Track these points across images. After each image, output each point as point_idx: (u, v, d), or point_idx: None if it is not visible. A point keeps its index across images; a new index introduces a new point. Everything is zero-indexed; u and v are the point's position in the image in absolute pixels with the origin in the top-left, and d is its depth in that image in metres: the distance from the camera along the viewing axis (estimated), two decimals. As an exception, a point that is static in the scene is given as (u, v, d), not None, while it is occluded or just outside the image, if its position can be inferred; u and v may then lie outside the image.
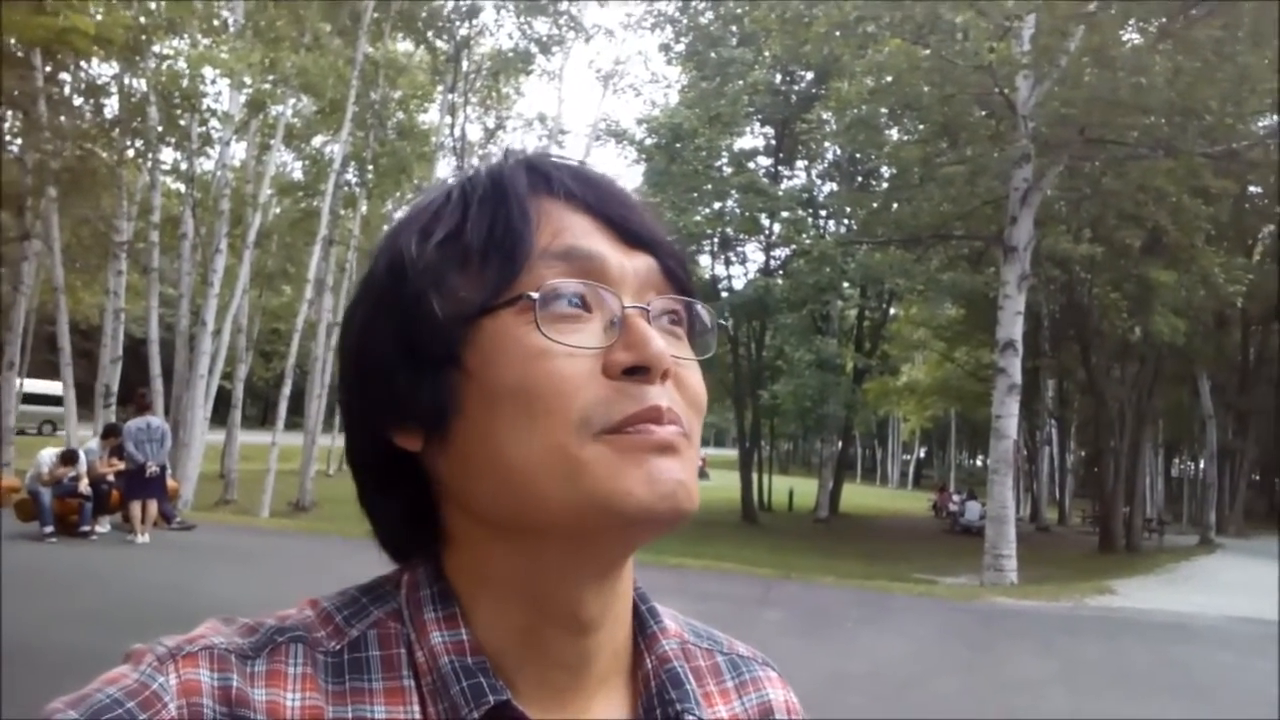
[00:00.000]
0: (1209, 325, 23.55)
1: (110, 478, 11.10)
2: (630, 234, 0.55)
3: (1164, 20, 14.42)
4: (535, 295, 0.51)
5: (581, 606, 0.54)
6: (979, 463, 65.78)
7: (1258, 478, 45.86)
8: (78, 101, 16.27)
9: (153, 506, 10.82)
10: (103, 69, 16.29)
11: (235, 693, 0.49)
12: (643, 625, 0.60)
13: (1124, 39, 15.01)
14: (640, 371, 0.51)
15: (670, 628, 0.62)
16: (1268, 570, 18.65)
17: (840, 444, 29.80)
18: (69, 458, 10.74)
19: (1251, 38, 13.48)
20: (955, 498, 32.47)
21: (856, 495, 39.76)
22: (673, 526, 0.51)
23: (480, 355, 0.52)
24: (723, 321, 0.59)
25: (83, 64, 15.24)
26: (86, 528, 10.58)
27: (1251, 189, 20.75)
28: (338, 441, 34.18)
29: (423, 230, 0.55)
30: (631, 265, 0.54)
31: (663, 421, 0.50)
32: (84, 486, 10.67)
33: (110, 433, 11.85)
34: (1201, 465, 32.32)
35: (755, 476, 27.36)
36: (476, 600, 0.55)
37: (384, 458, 0.56)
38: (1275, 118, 16.35)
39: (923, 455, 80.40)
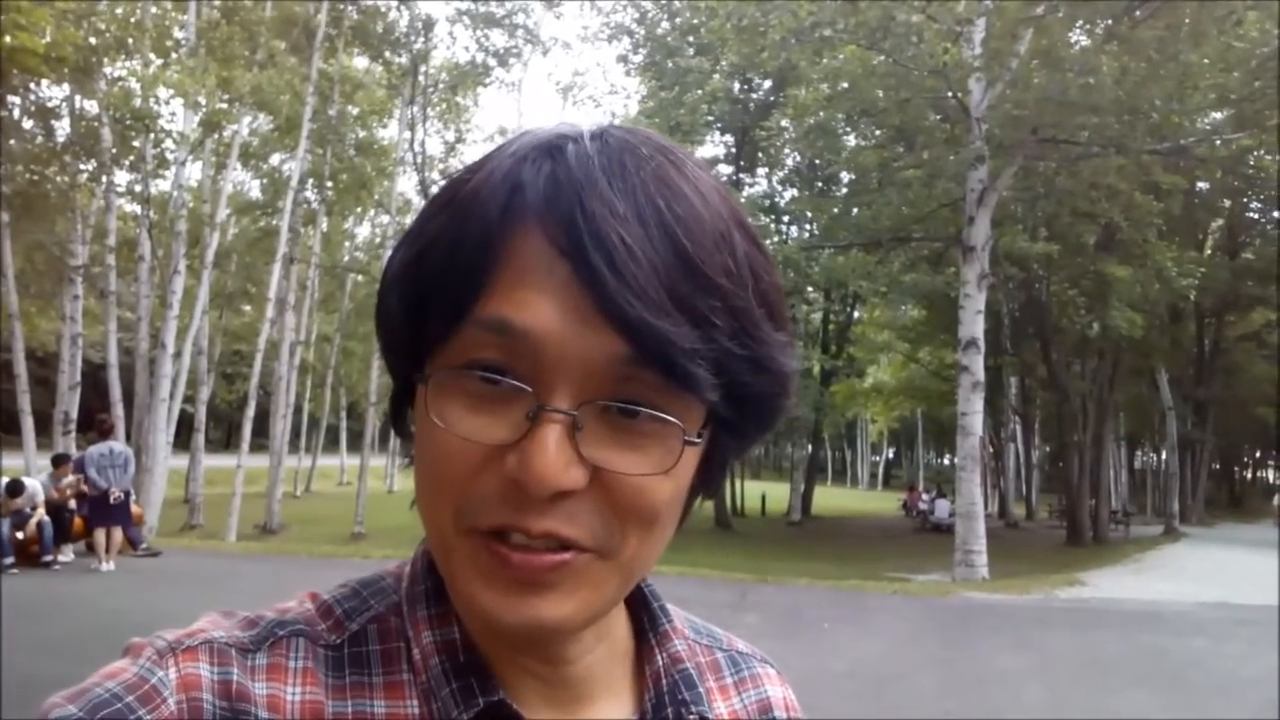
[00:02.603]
0: (1164, 319, 24.03)
1: (72, 505, 10.85)
2: (600, 304, 0.44)
3: (1110, 22, 14.75)
4: (427, 376, 0.47)
5: (544, 646, 0.53)
6: (946, 461, 66.48)
7: (1218, 467, 46.89)
8: (28, 124, 15.98)
9: (117, 533, 10.59)
10: (53, 91, 16.03)
11: (236, 687, 0.48)
12: (654, 622, 0.60)
13: (1072, 41, 15.33)
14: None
15: (677, 626, 0.61)
16: (1232, 557, 19.06)
17: (810, 447, 30.01)
18: (15, 489, 10.49)
19: (1193, 37, 13.86)
20: (924, 496, 32.79)
21: (828, 497, 40.02)
22: (534, 644, 0.50)
23: (418, 394, 0.49)
24: (693, 441, 0.47)
25: (32, 86, 14.98)
26: (49, 557, 10.33)
27: (1200, 184, 21.27)
28: (304, 463, 33.84)
29: (411, 229, 0.51)
30: (585, 347, 0.45)
31: (533, 538, 0.45)
32: (37, 518, 10.40)
33: (60, 461, 11.59)
34: (1163, 456, 32.90)
35: (727, 482, 27.39)
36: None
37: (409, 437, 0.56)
38: (1218, 114, 16.80)
39: (891, 456, 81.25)
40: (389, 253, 0.53)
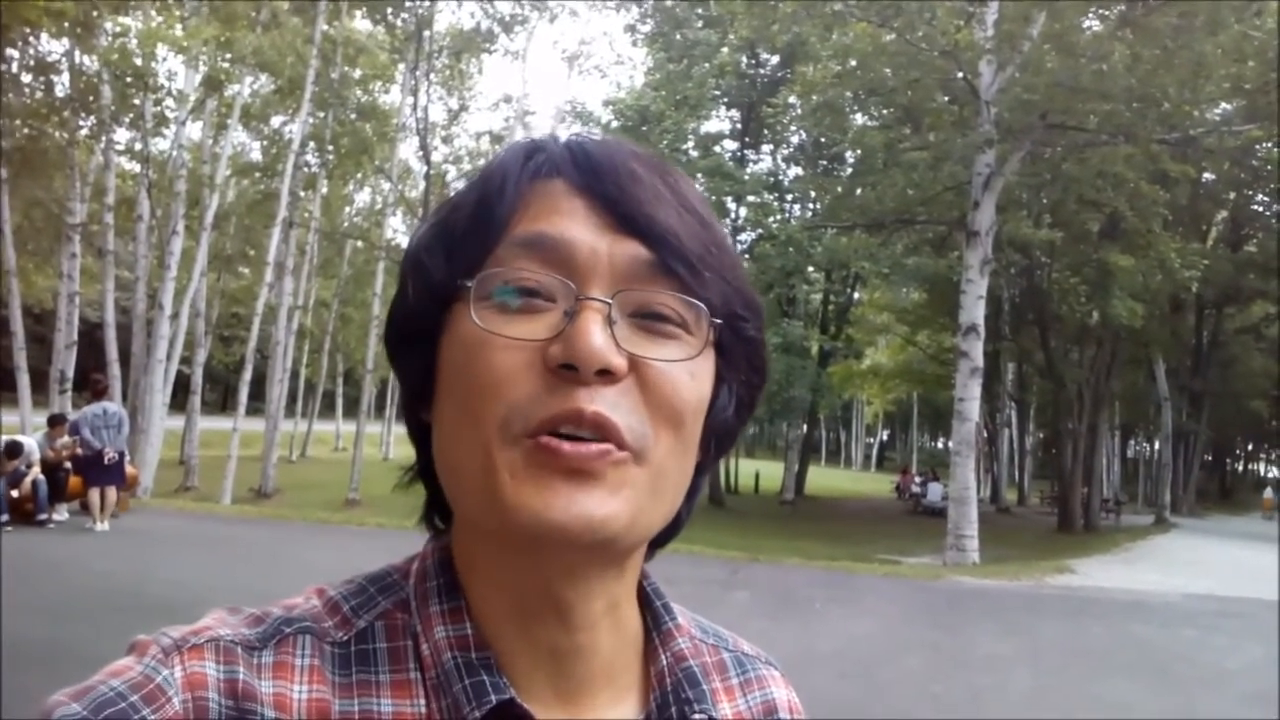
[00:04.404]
0: (1164, 309, 24.02)
1: (67, 464, 10.85)
2: (622, 218, 0.50)
3: (1123, 8, 14.61)
4: (470, 283, 0.49)
5: (563, 604, 0.52)
6: (940, 445, 66.75)
7: (1209, 458, 47.10)
8: (27, 79, 15.80)
9: (112, 494, 10.61)
10: (52, 46, 15.86)
11: (242, 686, 0.47)
12: (657, 620, 0.59)
13: (1084, 26, 15.19)
14: (573, 369, 0.47)
15: (681, 624, 0.60)
16: (1221, 549, 19.17)
17: (805, 427, 30.07)
18: (13, 450, 10.48)
19: (1207, 27, 13.71)
20: (917, 479, 32.93)
21: (821, 478, 40.20)
22: (581, 551, 0.48)
23: (446, 340, 0.51)
24: (715, 321, 0.52)
25: (31, 40, 14.80)
26: (44, 516, 10.35)
27: (1206, 176, 21.16)
28: (300, 427, 33.87)
29: (438, 208, 0.55)
30: (611, 253, 0.50)
31: (583, 424, 0.47)
32: (32, 476, 10.40)
33: (56, 421, 11.59)
34: (1156, 446, 33.07)
35: (722, 459, 27.50)
36: (474, 589, 0.53)
37: (418, 431, 0.56)
38: (1229, 105, 16.68)
39: (885, 438, 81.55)
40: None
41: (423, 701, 0.50)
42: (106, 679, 0.46)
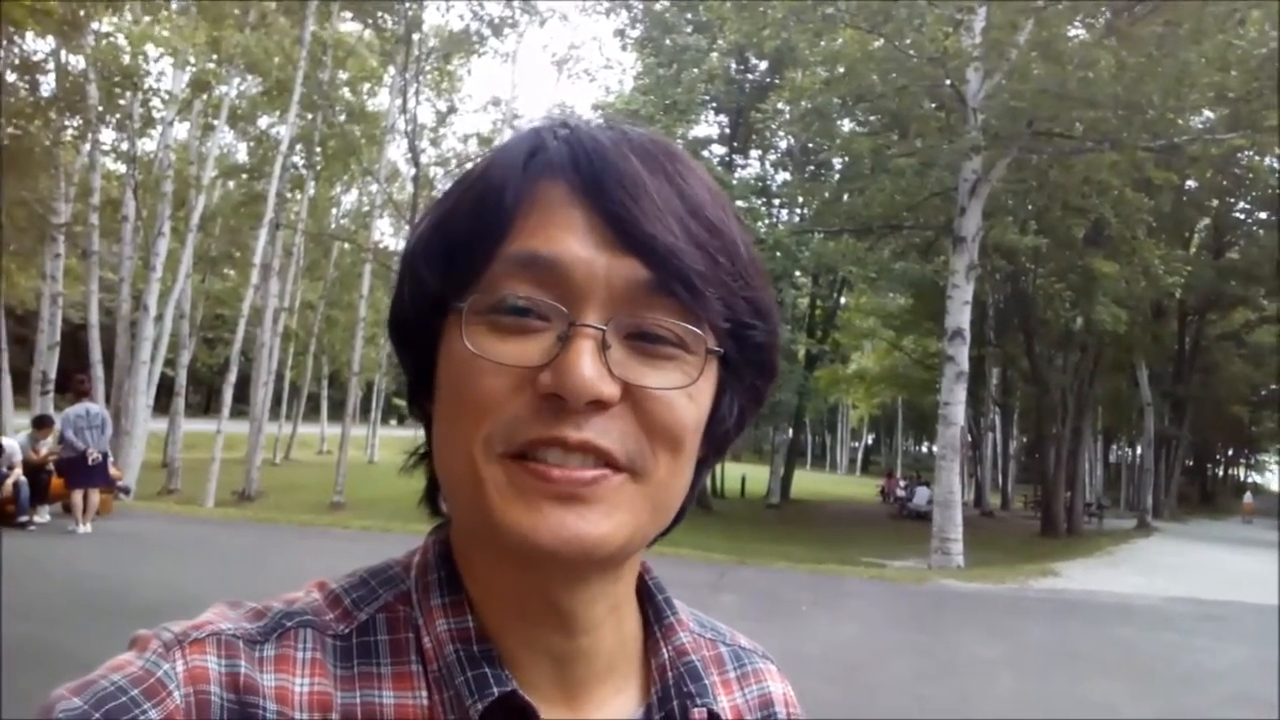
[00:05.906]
0: (1147, 315, 24.21)
1: (50, 466, 10.76)
2: (622, 234, 0.48)
3: (1109, 16, 14.72)
4: (463, 305, 0.49)
5: (563, 610, 0.52)
6: (925, 449, 66.97)
7: (1191, 463, 47.44)
8: (12, 78, 15.67)
9: (94, 496, 10.51)
10: (38, 45, 15.74)
11: (243, 679, 0.48)
12: (659, 614, 0.59)
13: (1071, 34, 15.30)
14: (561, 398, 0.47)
15: (682, 619, 0.61)
16: (1202, 552, 19.32)
17: (791, 431, 30.14)
18: None
19: (1191, 35, 13.85)
20: (902, 483, 33.04)
21: (807, 481, 40.26)
22: (569, 568, 0.49)
23: (442, 346, 0.51)
24: (714, 350, 0.50)
25: (16, 39, 14.68)
26: (25, 518, 10.25)
27: (1189, 183, 21.35)
28: (284, 429, 33.68)
29: (439, 201, 0.54)
30: (609, 272, 0.48)
31: (569, 448, 0.47)
32: (14, 478, 10.31)
33: (42, 422, 11.50)
34: (1139, 451, 33.28)
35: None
36: (474, 583, 0.54)
37: (424, 420, 0.56)
38: (1212, 113, 16.84)
39: (870, 442, 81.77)
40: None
41: (425, 694, 0.50)
42: (107, 673, 0.46)
